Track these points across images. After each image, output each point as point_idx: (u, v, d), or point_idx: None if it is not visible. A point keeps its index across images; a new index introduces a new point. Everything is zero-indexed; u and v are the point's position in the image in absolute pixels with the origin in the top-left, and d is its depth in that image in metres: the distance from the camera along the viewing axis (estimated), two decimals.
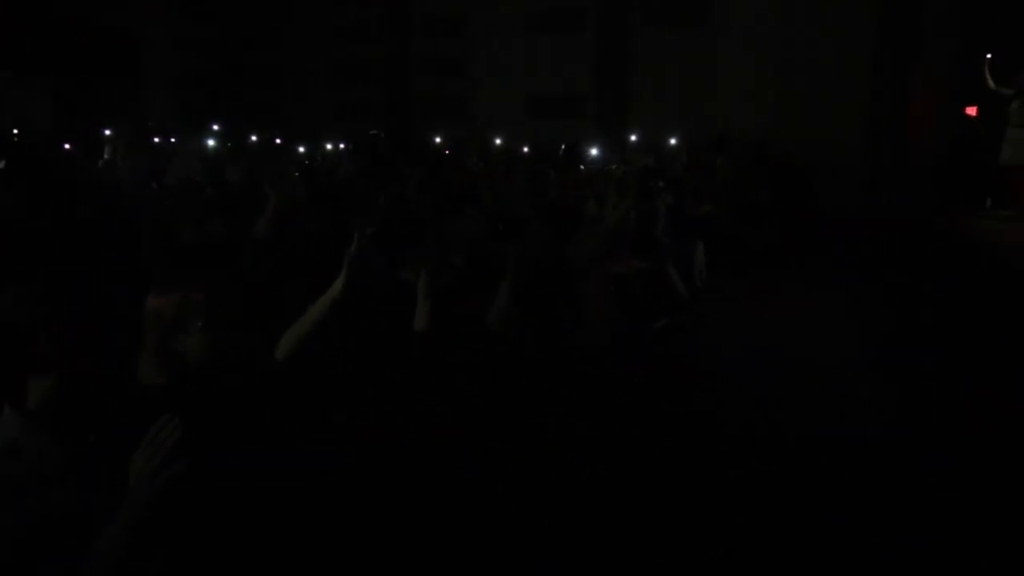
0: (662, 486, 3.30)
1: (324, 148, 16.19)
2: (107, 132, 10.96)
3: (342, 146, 15.78)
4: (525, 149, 13.78)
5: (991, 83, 7.50)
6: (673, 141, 14.24)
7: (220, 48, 22.15)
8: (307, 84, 21.51)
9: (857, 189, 13.32)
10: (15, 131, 14.21)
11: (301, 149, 15.39)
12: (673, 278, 6.55)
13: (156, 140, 14.95)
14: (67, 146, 10.65)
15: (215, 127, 16.76)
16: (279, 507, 2.02)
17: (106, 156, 8.63)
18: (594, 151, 12.69)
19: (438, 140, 15.21)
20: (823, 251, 9.85)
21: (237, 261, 3.88)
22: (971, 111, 10.98)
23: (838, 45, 14.91)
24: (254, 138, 17.62)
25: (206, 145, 12.48)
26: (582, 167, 8.41)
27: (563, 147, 7.84)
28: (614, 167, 10.68)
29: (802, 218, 11.51)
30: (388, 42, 20.35)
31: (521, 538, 2.65)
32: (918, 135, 12.86)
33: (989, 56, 7.51)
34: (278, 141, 17.83)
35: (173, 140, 16.46)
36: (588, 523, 2.86)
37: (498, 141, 15.34)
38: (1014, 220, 7.90)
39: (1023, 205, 8.10)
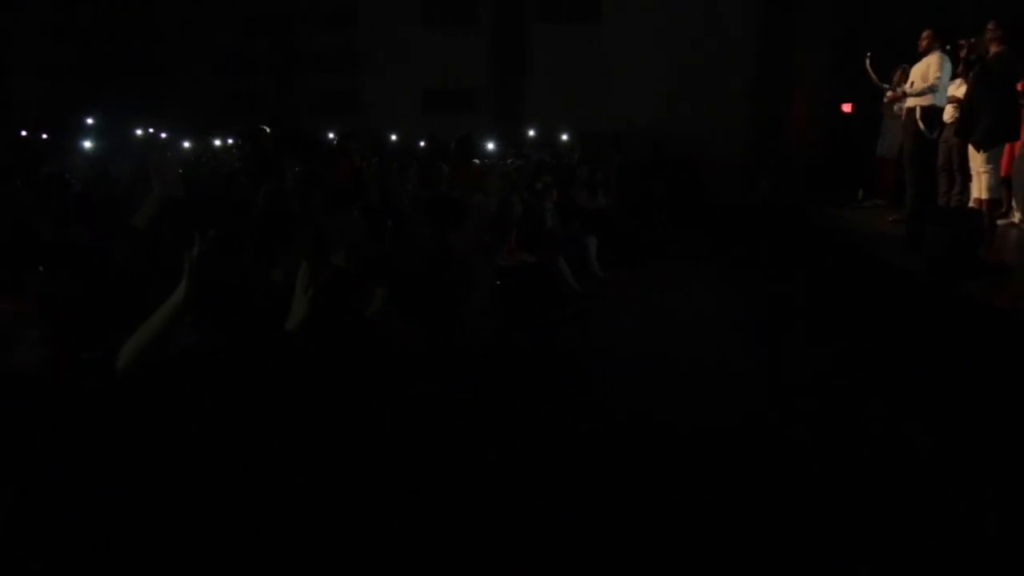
0: (553, 480, 3.31)
1: (212, 144, 15.55)
2: None
3: (230, 141, 15.21)
4: (422, 144, 13.65)
5: (875, 78, 7.89)
6: (565, 136, 14.46)
7: (93, 36, 20.86)
8: (191, 75, 20.57)
9: (739, 181, 13.92)
10: None
11: (187, 144, 14.74)
12: (564, 271, 6.66)
13: (24, 134, 13.97)
14: None
15: (91, 120, 15.79)
16: (135, 527, 1.90)
17: None
18: (490, 145, 12.72)
19: (331, 135, 14.90)
20: (708, 242, 10.25)
21: (101, 264, 3.64)
22: (846, 108, 11.59)
23: (723, 44, 15.55)
24: (139, 132, 16.72)
25: (82, 144, 11.75)
26: (476, 161, 8.40)
27: (455, 140, 7.81)
28: (510, 161, 10.73)
29: (690, 210, 11.97)
30: (276, 33, 19.74)
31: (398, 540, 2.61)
32: (798, 130, 13.55)
33: (870, 54, 7.90)
34: (163, 135, 17.00)
35: (45, 136, 15.42)
36: (475, 522, 2.84)
37: (393, 137, 15.15)
38: (881, 209, 8.40)
39: (891, 195, 8.62)
